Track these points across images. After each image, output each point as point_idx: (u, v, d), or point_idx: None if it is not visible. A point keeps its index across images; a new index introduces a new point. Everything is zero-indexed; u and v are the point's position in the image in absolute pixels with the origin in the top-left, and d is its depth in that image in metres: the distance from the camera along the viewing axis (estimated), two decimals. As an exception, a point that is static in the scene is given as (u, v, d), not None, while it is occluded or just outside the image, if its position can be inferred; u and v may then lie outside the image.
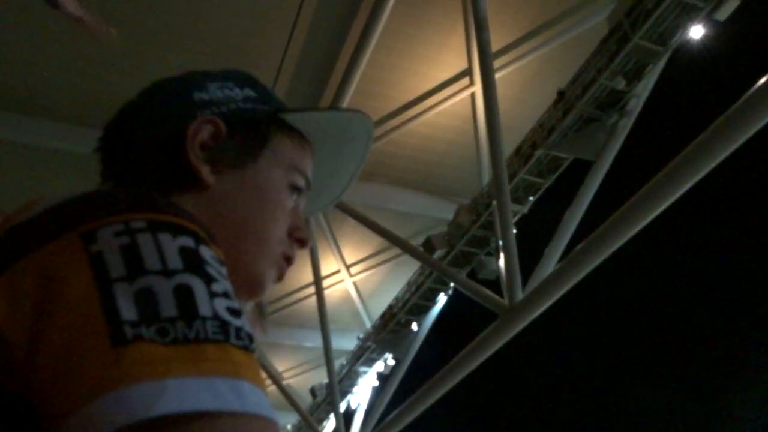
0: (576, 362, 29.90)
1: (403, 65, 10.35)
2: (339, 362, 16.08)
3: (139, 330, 0.45)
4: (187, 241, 0.52)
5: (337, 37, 9.68)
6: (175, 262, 0.49)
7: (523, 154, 10.55)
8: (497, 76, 8.62)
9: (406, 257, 12.67)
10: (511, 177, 10.12)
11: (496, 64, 8.99)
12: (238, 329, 0.49)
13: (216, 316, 0.48)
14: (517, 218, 10.72)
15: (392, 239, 10.88)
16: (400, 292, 14.46)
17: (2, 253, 0.51)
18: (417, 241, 11.97)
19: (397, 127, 11.21)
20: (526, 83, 10.82)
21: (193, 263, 0.50)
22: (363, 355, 15.50)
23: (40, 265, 0.49)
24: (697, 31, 8.20)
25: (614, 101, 9.10)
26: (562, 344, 29.20)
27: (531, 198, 11.00)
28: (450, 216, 11.96)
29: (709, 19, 8.05)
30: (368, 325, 15.83)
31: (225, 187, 0.75)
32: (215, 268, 0.52)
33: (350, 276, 15.24)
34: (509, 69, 10.29)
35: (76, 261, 0.49)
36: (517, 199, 10.68)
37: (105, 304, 0.46)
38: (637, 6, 8.31)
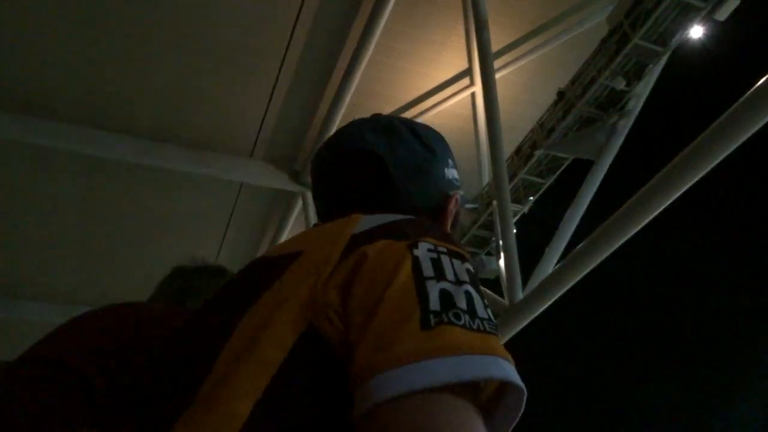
0: (576, 362, 29.90)
1: (403, 65, 10.35)
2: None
3: (440, 317, 0.64)
4: (469, 267, 0.75)
5: (337, 37, 9.68)
6: (463, 276, 0.71)
7: (523, 154, 10.56)
8: (497, 76, 8.63)
9: (406, 257, 12.66)
10: (511, 177, 10.13)
11: (496, 64, 8.99)
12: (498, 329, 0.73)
13: (489, 318, 0.69)
14: (517, 218, 10.72)
15: (392, 239, 10.87)
16: (401, 292, 14.45)
17: (354, 242, 0.75)
18: (417, 241, 11.95)
19: (397, 127, 11.21)
20: (526, 83, 10.82)
21: (474, 281, 0.73)
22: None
23: (380, 249, 0.73)
24: (697, 31, 8.21)
25: (614, 101, 9.11)
26: (562, 344, 29.20)
27: (531, 198, 11.00)
28: (450, 216, 11.95)
29: (709, 19, 8.05)
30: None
31: None
32: (480, 287, 0.75)
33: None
34: (509, 69, 10.30)
35: (404, 256, 0.71)
36: (517, 199, 10.68)
37: (420, 293, 0.66)
38: (636, 6, 8.31)
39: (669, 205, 6.25)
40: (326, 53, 9.90)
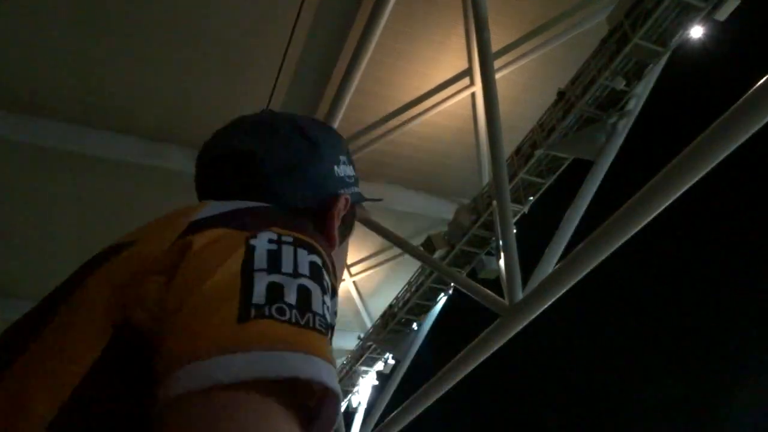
0: (576, 362, 29.91)
1: (403, 65, 10.35)
2: (339, 362, 16.09)
3: (262, 310, 0.60)
4: (317, 260, 0.70)
5: (337, 37, 9.68)
6: (304, 269, 0.67)
7: (523, 154, 10.55)
8: (497, 76, 8.63)
9: (407, 257, 12.68)
10: (511, 177, 10.12)
11: (496, 64, 9.00)
12: (331, 328, 0.68)
13: (322, 315, 0.64)
14: (517, 218, 10.71)
15: (392, 239, 10.89)
16: (401, 291, 14.46)
17: (189, 231, 0.71)
18: (417, 241, 11.97)
19: (397, 127, 11.22)
20: (526, 83, 10.82)
21: (317, 274, 0.68)
22: (363, 354, 15.49)
23: (213, 238, 0.69)
24: (697, 31, 8.20)
25: (614, 101, 9.10)
26: (562, 344, 29.21)
27: (531, 198, 10.99)
28: (450, 216, 11.96)
29: (709, 19, 8.04)
30: (368, 324, 15.84)
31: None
32: (327, 280, 0.70)
33: (350, 275, 15.25)
34: (509, 69, 10.30)
35: (237, 246, 0.67)
36: (517, 199, 10.67)
37: (244, 284, 0.62)
38: (637, 6, 8.30)
39: (669, 205, 6.25)
40: (326, 53, 9.91)
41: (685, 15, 8.09)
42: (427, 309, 13.73)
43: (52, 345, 0.65)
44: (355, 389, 16.07)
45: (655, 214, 6.36)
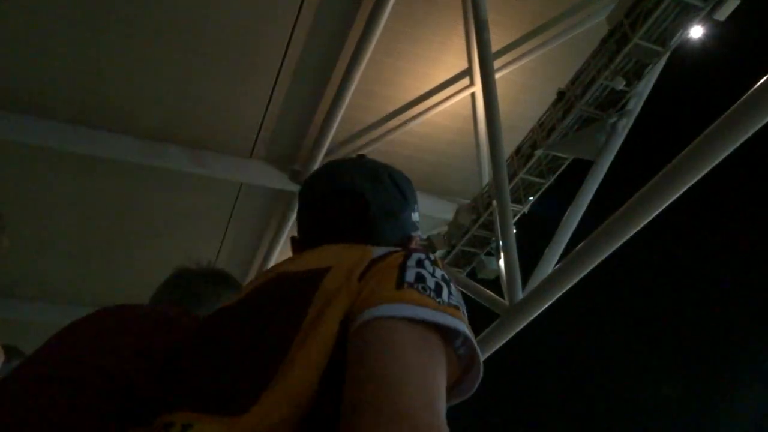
0: (576, 362, 29.90)
1: (403, 65, 10.35)
2: (339, 362, 16.07)
3: (412, 285, 0.93)
4: (445, 275, 1.02)
5: (337, 37, 9.68)
6: (438, 275, 0.99)
7: (523, 154, 10.55)
8: (497, 76, 8.63)
9: (406, 257, 12.67)
10: (511, 177, 10.12)
11: (496, 64, 9.00)
12: (464, 315, 0.96)
13: (455, 303, 0.95)
14: (517, 218, 10.72)
15: (392, 239, 10.87)
16: (401, 292, 14.44)
17: (378, 259, 1.04)
18: (417, 241, 11.95)
19: (397, 127, 11.22)
20: (526, 83, 10.82)
21: (446, 280, 1.00)
22: (363, 355, 15.49)
23: (388, 260, 1.02)
24: (697, 31, 8.20)
25: (614, 101, 9.10)
26: (563, 344, 29.20)
27: (531, 198, 10.99)
28: (450, 216, 11.96)
29: (709, 19, 8.04)
30: (368, 325, 15.82)
31: None
32: (455, 291, 1.00)
33: (350, 276, 15.23)
34: (509, 69, 10.29)
35: (400, 256, 1.01)
36: (517, 199, 10.67)
37: (400, 271, 0.96)
38: (636, 6, 8.30)
39: (669, 205, 6.25)
40: (326, 53, 9.90)
41: (685, 15, 8.09)
42: (427, 309, 13.70)
43: (305, 344, 0.90)
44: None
45: (655, 214, 6.36)
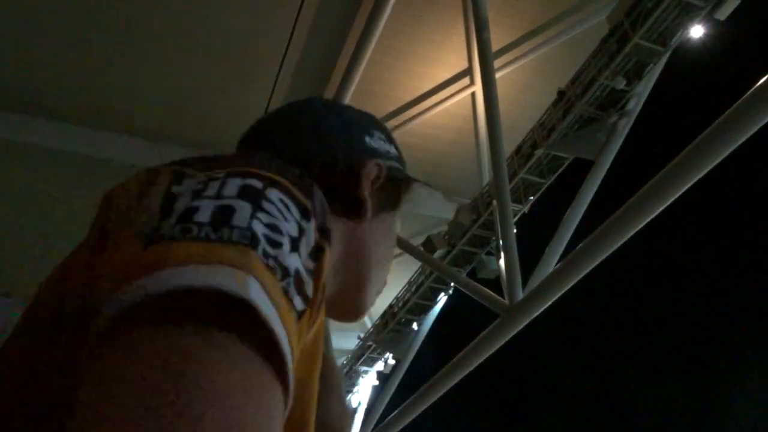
0: (576, 362, 29.90)
1: (403, 65, 10.35)
2: (339, 361, 16.09)
3: (163, 233, 0.50)
4: (254, 182, 0.58)
5: (337, 37, 9.68)
6: (229, 192, 0.55)
7: (523, 153, 10.55)
8: (497, 75, 8.62)
9: (407, 257, 12.67)
10: (512, 177, 10.12)
11: (496, 63, 8.99)
12: (268, 253, 0.52)
13: (249, 228, 0.52)
14: (517, 218, 10.71)
15: (392, 239, 10.88)
16: (401, 291, 14.47)
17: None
18: (417, 241, 11.98)
19: (397, 127, 11.22)
20: (526, 83, 10.82)
21: (249, 194, 0.56)
22: (363, 354, 15.51)
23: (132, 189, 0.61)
24: (697, 31, 8.20)
25: (614, 101, 9.10)
26: (563, 344, 29.20)
27: (531, 198, 10.99)
28: (450, 216, 11.96)
29: (709, 19, 8.04)
30: (369, 324, 15.84)
31: (369, 226, 0.88)
32: (276, 206, 0.57)
33: (350, 276, 15.23)
34: (509, 69, 10.29)
35: (157, 192, 0.57)
36: (518, 199, 10.67)
37: (162, 209, 0.54)
38: (637, 6, 8.30)
39: (669, 204, 6.24)
40: (326, 53, 9.91)
41: (686, 14, 8.09)
42: (427, 309, 13.73)
43: None
44: (356, 389, 16.08)
45: (655, 214, 6.36)
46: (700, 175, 5.87)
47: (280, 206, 0.57)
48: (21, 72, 9.36)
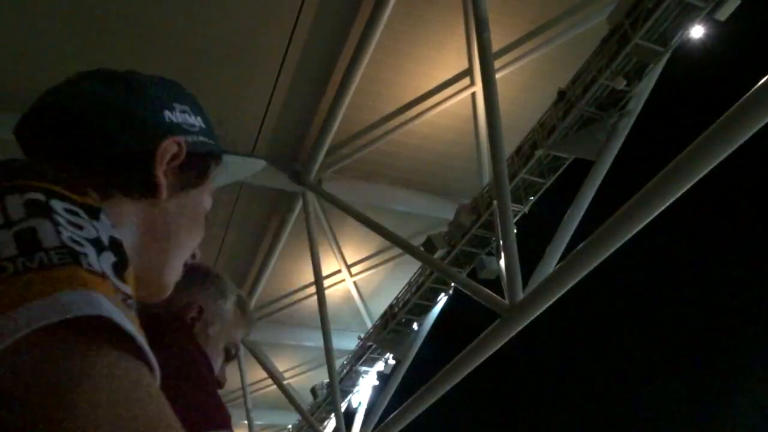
0: (576, 362, 29.90)
1: (403, 65, 10.35)
2: (340, 362, 16.09)
3: None
4: (36, 196, 0.57)
5: (337, 37, 9.68)
6: (17, 214, 0.54)
7: (523, 154, 10.55)
8: (497, 76, 8.62)
9: (407, 257, 12.68)
10: (512, 177, 10.12)
11: (497, 64, 8.99)
12: (88, 257, 0.54)
13: (63, 245, 0.52)
14: (517, 218, 10.71)
15: (393, 239, 10.89)
16: (401, 291, 14.47)
17: None
18: (417, 241, 11.98)
19: (397, 127, 11.22)
20: (526, 83, 10.82)
21: (38, 211, 0.55)
22: (364, 354, 15.50)
23: None
24: (697, 31, 8.20)
25: (614, 101, 9.10)
26: (563, 344, 29.20)
27: (531, 198, 10.99)
28: (450, 216, 11.96)
29: (709, 19, 8.04)
30: (369, 324, 15.84)
31: (169, 205, 0.85)
32: (64, 217, 0.56)
33: (351, 276, 15.25)
34: (509, 69, 10.29)
35: None
36: (518, 199, 10.67)
37: None
38: (637, 6, 8.30)
39: (669, 205, 6.24)
40: (326, 53, 9.91)
41: (686, 15, 8.10)
42: (428, 309, 13.73)
43: None
44: (356, 389, 16.08)
45: (655, 214, 6.36)
46: (701, 175, 5.87)
47: (69, 216, 0.57)
48: (21, 72, 9.37)
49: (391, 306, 14.66)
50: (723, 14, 7.91)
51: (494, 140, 8.38)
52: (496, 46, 8.98)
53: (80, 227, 0.56)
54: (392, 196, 12.42)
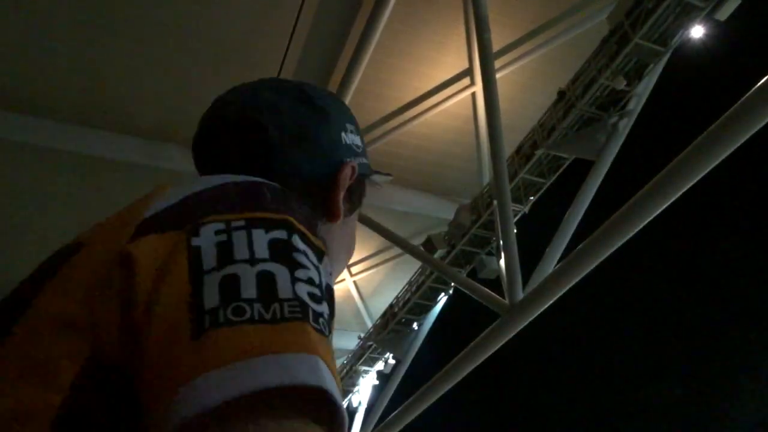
0: (576, 362, 29.91)
1: (403, 65, 10.35)
2: (340, 361, 16.09)
3: (216, 316, 0.50)
4: (280, 234, 0.58)
5: (337, 37, 9.68)
6: (262, 252, 0.55)
7: (523, 153, 10.55)
8: (497, 76, 8.63)
9: (407, 257, 12.68)
10: (512, 177, 10.12)
11: (497, 64, 8.99)
12: (317, 314, 0.54)
13: (296, 298, 0.53)
14: (517, 218, 10.71)
15: (393, 239, 10.89)
16: (401, 291, 14.47)
17: (138, 233, 0.59)
18: (417, 241, 11.97)
19: (397, 127, 11.22)
20: (526, 83, 10.82)
21: (280, 253, 0.56)
22: (364, 354, 15.50)
23: (151, 250, 0.57)
24: (697, 31, 8.20)
25: (615, 101, 9.10)
26: (563, 344, 29.21)
27: (531, 198, 10.99)
28: (450, 216, 11.96)
29: (709, 19, 8.04)
30: (369, 324, 15.84)
31: (335, 228, 0.86)
32: (306, 257, 0.58)
33: (351, 275, 15.25)
34: (509, 69, 10.29)
35: (175, 254, 0.55)
36: (518, 199, 10.67)
37: (194, 294, 0.52)
38: (637, 6, 8.30)
39: (669, 205, 6.24)
40: (326, 53, 9.91)
41: (686, 15, 8.09)
42: (428, 309, 13.73)
43: (21, 365, 0.52)
44: (356, 389, 16.07)
45: (655, 214, 6.35)
46: (701, 176, 5.86)
47: (306, 257, 0.58)
48: (21, 72, 9.37)
49: (391, 306, 14.66)
50: (723, 14, 7.91)
51: (494, 140, 8.38)
52: (496, 46, 8.98)
53: (307, 268, 0.57)
54: (392, 196, 12.42)
